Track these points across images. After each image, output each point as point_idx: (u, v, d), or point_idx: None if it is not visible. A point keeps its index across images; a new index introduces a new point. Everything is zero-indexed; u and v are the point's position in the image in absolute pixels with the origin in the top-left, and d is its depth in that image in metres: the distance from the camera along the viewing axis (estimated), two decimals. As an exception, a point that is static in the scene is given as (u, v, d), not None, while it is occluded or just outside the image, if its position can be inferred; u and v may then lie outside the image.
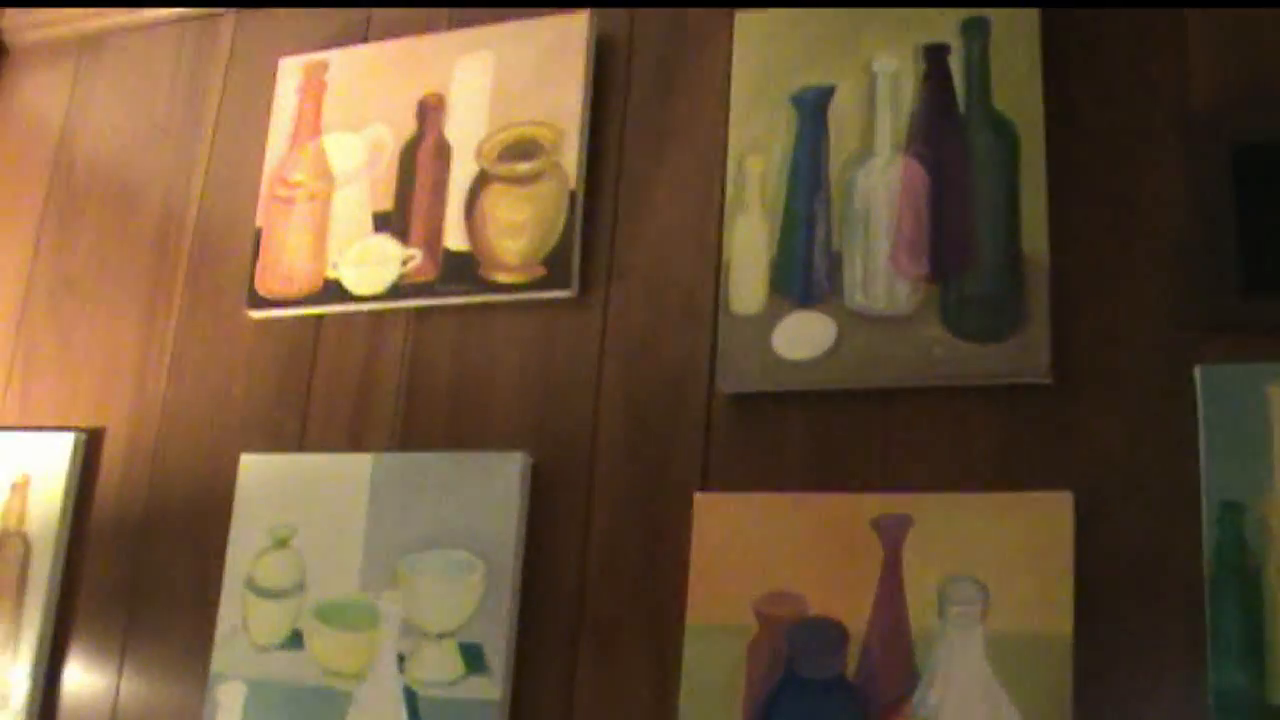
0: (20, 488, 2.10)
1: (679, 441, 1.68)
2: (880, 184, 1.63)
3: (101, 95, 2.34)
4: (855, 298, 1.60)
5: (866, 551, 1.52)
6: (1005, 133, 1.57)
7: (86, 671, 2.00)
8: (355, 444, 1.87)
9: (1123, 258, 1.51)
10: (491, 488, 1.72)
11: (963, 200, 1.58)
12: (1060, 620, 1.42)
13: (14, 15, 2.41)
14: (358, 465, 1.76)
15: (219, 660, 1.84)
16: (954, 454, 1.54)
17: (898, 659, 1.47)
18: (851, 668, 1.49)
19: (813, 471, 1.60)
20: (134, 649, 1.97)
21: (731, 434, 1.65)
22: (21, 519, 2.08)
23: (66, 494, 2.08)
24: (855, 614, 1.51)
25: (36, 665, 2.01)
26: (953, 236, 1.58)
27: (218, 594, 1.88)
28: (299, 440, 1.92)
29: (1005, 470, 1.51)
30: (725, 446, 1.65)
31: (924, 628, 1.47)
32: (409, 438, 1.85)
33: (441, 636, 1.69)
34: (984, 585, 1.46)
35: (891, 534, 1.51)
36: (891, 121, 1.64)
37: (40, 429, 2.17)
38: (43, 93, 2.40)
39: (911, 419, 1.57)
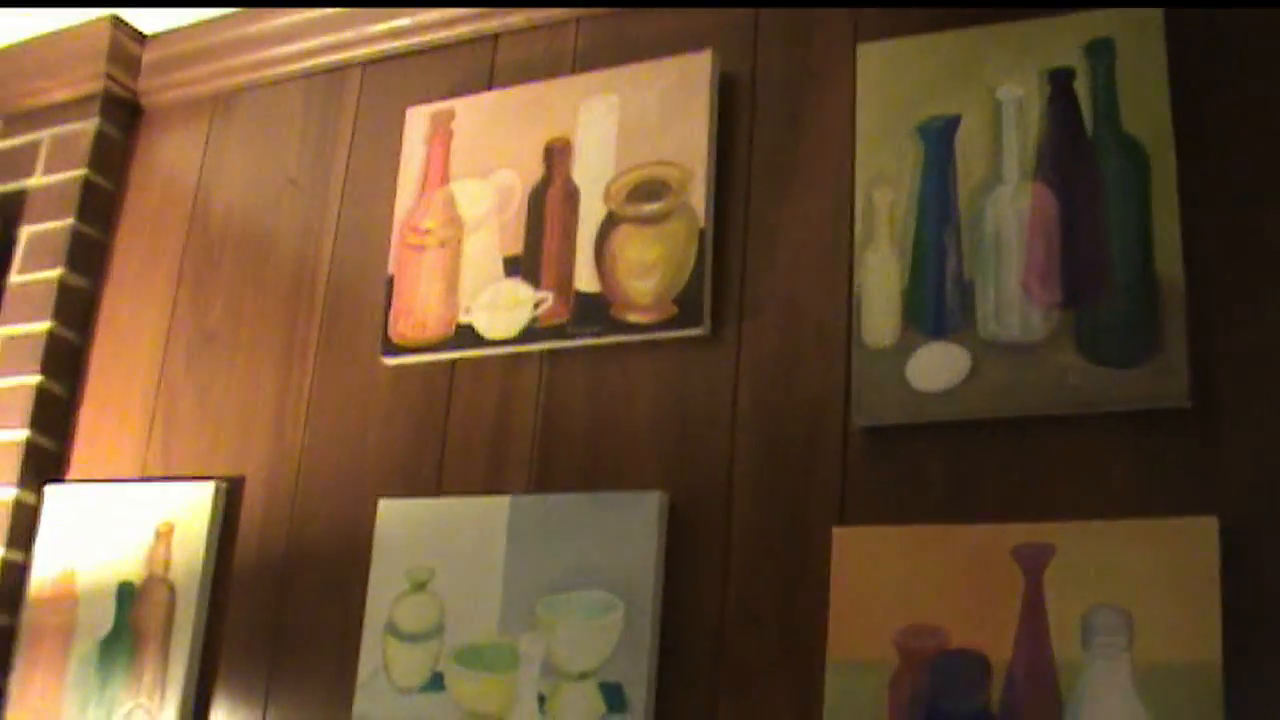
0: (164, 535, 2.22)
1: (815, 476, 1.73)
2: (1010, 212, 1.66)
3: (234, 150, 2.47)
4: (988, 327, 1.63)
5: (1008, 582, 1.55)
6: (1135, 155, 1.61)
7: (232, 715, 2.10)
8: (491, 487, 1.94)
9: (1260, 275, 1.54)
10: (629, 527, 1.78)
11: (1094, 225, 1.62)
12: (1209, 648, 1.44)
13: (150, 77, 2.55)
14: (495, 508, 1.83)
15: (361, 703, 1.92)
16: (1094, 481, 1.57)
17: (1042, 691, 1.50)
18: (995, 700, 1.52)
19: (951, 502, 1.64)
20: (277, 692, 2.06)
21: (868, 467, 1.70)
22: (166, 566, 2.20)
23: (209, 541, 2.18)
24: (997, 645, 1.54)
25: (183, 709, 2.11)
26: (1085, 262, 1.62)
27: (358, 638, 1.97)
28: (436, 484, 2.01)
29: (1147, 496, 1.54)
30: (862, 480, 1.70)
31: (1068, 659, 1.50)
32: (545, 479, 1.92)
33: (582, 677, 1.75)
34: (1129, 614, 1.49)
35: (1033, 563, 1.55)
36: (1019, 148, 1.68)
37: (182, 479, 2.27)
38: (178, 150, 2.55)
39: (1049, 447, 1.60)
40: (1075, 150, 1.64)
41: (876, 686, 1.57)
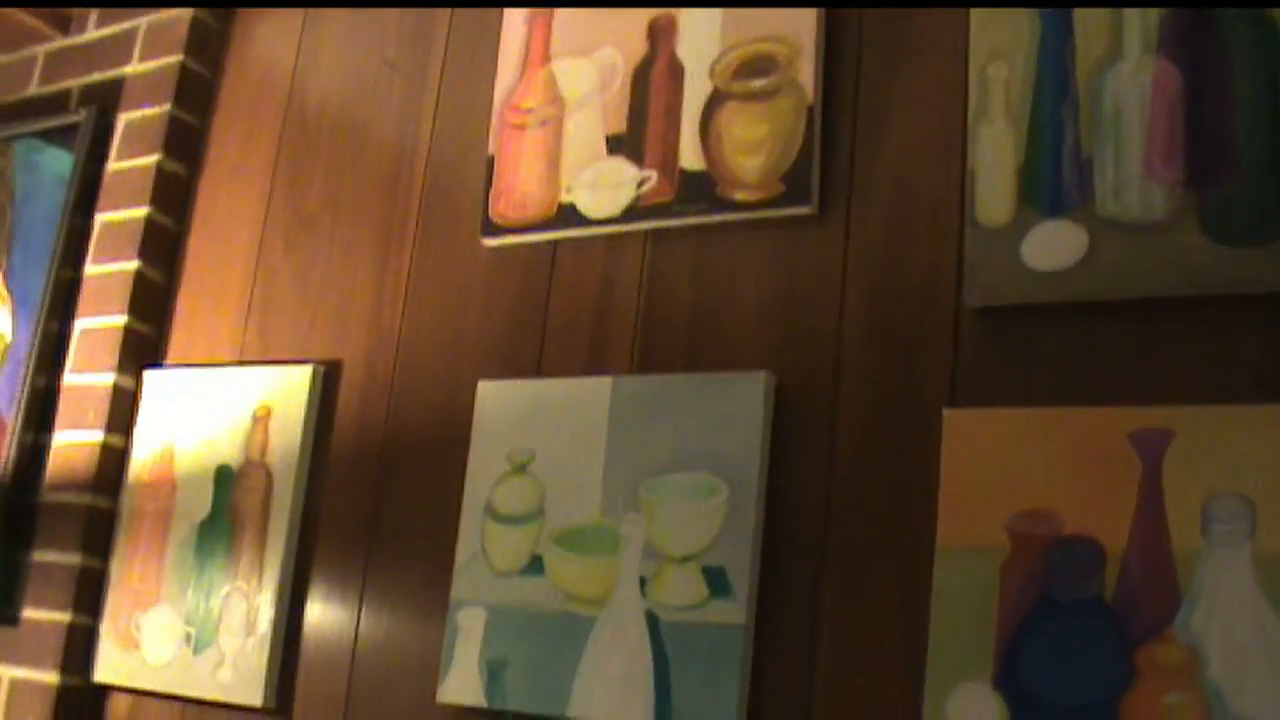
0: (262, 419, 2.24)
1: (926, 358, 1.71)
2: (1131, 87, 1.63)
3: (331, 35, 2.49)
4: (1107, 206, 1.60)
5: (1125, 467, 1.52)
6: (1267, 31, 1.55)
7: (329, 598, 2.13)
8: (593, 368, 1.89)
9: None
10: (734, 408, 1.76)
11: (1220, 101, 1.57)
12: (1333, 536, 1.38)
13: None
14: (597, 389, 1.82)
15: (459, 587, 1.94)
16: (1216, 365, 1.54)
17: (1159, 580, 1.48)
18: (1110, 589, 1.50)
19: (1067, 386, 1.61)
20: (374, 576, 2.09)
21: (981, 349, 1.68)
22: (264, 450, 2.23)
23: (306, 425, 2.21)
24: (1113, 533, 1.51)
25: (280, 593, 2.15)
26: (1210, 139, 1.57)
27: (457, 521, 1.99)
28: (536, 366, 2.02)
29: (1272, 381, 1.50)
30: (974, 362, 1.68)
31: (1186, 547, 1.48)
32: (648, 361, 1.92)
33: (685, 560, 1.75)
34: (1250, 501, 1.46)
35: (1151, 449, 1.52)
36: (1140, 22, 1.64)
37: (279, 363, 2.30)
38: (274, 35, 2.58)
39: (1170, 330, 1.57)
40: (1202, 25, 1.59)
41: (987, 573, 1.55)
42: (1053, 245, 1.62)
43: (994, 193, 1.68)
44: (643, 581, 1.74)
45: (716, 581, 1.72)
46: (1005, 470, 1.59)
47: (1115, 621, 1.49)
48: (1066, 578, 1.51)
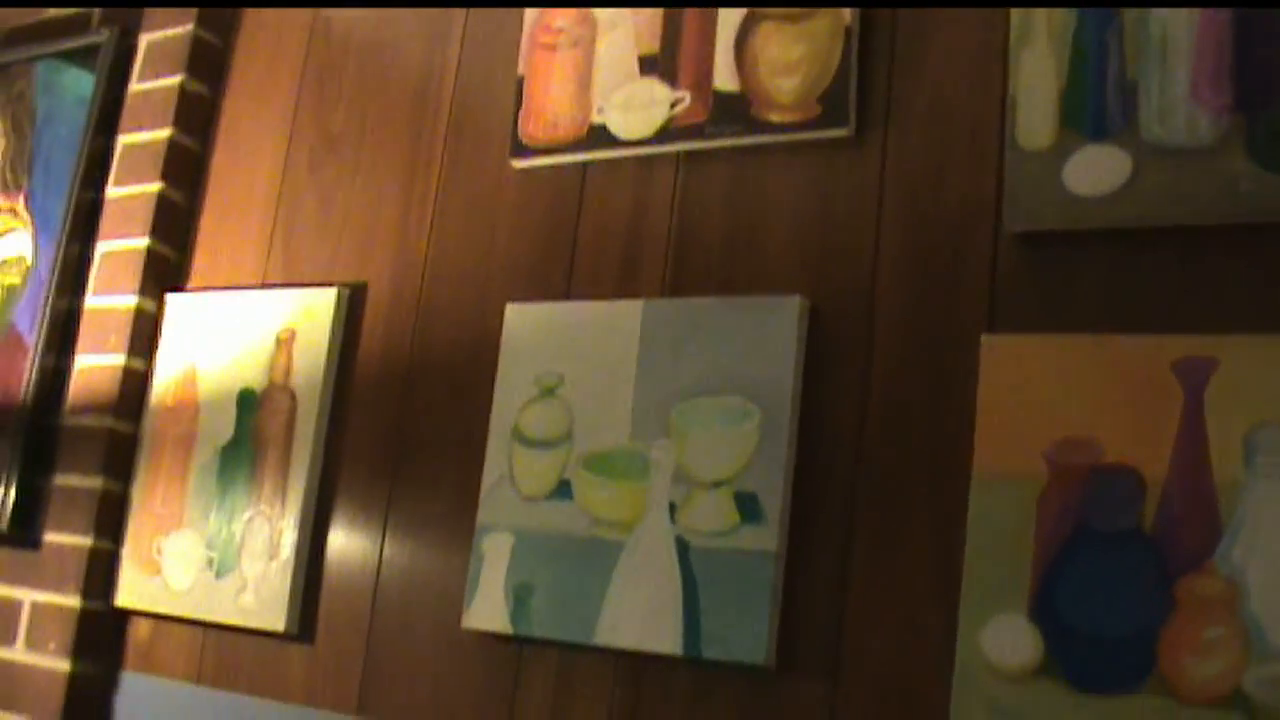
0: (285, 343, 2.23)
1: (964, 283, 1.69)
2: (1179, 11, 1.59)
3: (358, -48, 2.42)
4: (1152, 130, 1.57)
5: (1166, 396, 1.50)
6: (1318, -50, 1.51)
7: (352, 522, 2.12)
8: (624, 292, 1.86)
9: None
10: (767, 332, 1.72)
11: (1270, 26, 1.54)
12: (1380, 469, 1.36)
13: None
14: (627, 312, 1.79)
15: (485, 512, 1.93)
16: (1262, 294, 1.51)
17: (1200, 512, 1.45)
18: (1149, 520, 1.48)
19: (1108, 312, 1.59)
20: (399, 501, 2.08)
21: (1020, 274, 1.65)
22: (287, 373, 2.21)
23: (331, 348, 2.19)
24: (1153, 463, 1.49)
25: (304, 517, 2.13)
26: (1260, 66, 1.54)
27: (483, 445, 1.97)
28: (565, 289, 1.99)
29: (1321, 310, 1.45)
30: (1013, 288, 1.65)
31: (1228, 479, 1.45)
32: (679, 284, 1.89)
33: (716, 485, 1.73)
34: (1295, 433, 1.40)
35: (1194, 378, 1.49)
36: (1191, -55, 1.58)
37: (303, 286, 2.27)
38: (300, -46, 2.51)
39: (1215, 257, 1.54)
40: (1253, -54, 1.54)
41: (1024, 502, 1.53)
42: (1095, 170, 1.58)
43: (1035, 116, 1.65)
44: (672, 507, 1.71)
45: (748, 507, 1.70)
46: (1044, 398, 1.56)
47: (1154, 552, 1.46)
48: (1105, 507, 1.49)
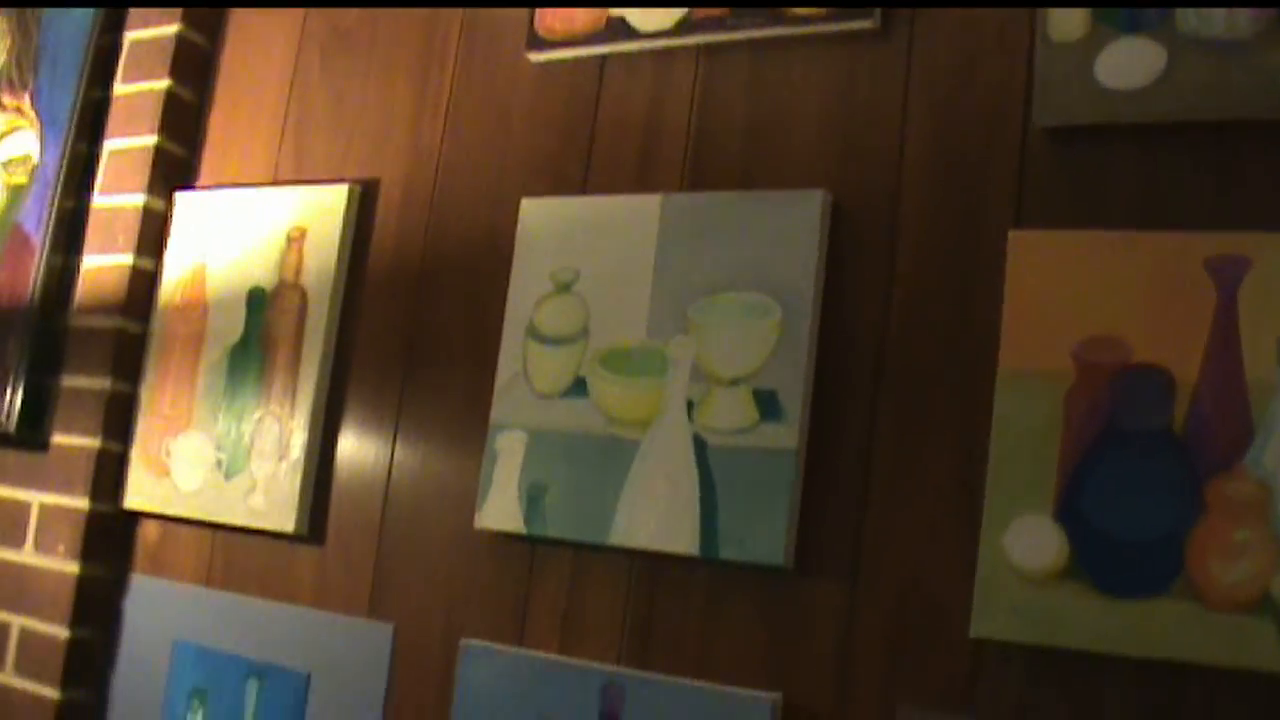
0: (296, 240, 2.19)
1: (992, 178, 1.65)
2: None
3: None
4: (1188, 22, 1.52)
5: (1198, 295, 1.47)
6: None
7: (363, 422, 2.09)
8: (641, 186, 1.82)
9: None
10: (789, 228, 1.70)
11: (1316, -85, 1.47)
12: None
13: None
14: (645, 206, 1.76)
15: (499, 410, 1.90)
16: (1301, 191, 1.44)
17: (1231, 413, 1.42)
18: (1179, 421, 1.45)
19: (1140, 209, 1.55)
20: (411, 399, 2.05)
21: (1050, 169, 1.61)
22: (298, 271, 2.18)
23: (342, 245, 2.16)
24: (1184, 362, 1.46)
25: (314, 417, 2.11)
26: (1304, -44, 1.47)
27: (497, 343, 1.94)
28: (582, 183, 1.95)
29: (1360, 208, 1.41)
30: (1043, 183, 1.61)
31: (1260, 379, 1.42)
32: (699, 179, 1.85)
33: (734, 383, 1.69)
34: (1331, 332, 1.37)
35: (1227, 277, 1.46)
36: None
37: (314, 183, 2.23)
38: None
39: (1252, 153, 1.50)
40: None
41: (1051, 401, 1.50)
42: (1129, 63, 1.54)
43: (1067, 8, 1.58)
44: (690, 405, 1.69)
45: (767, 405, 1.67)
46: (1072, 295, 1.53)
47: (1184, 454, 1.43)
48: (1134, 408, 1.46)
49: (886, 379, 1.65)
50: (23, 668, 2.33)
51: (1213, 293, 1.46)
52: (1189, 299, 1.46)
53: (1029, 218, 1.60)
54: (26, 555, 2.37)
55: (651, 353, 1.67)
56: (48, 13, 2.59)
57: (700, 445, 1.63)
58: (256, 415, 2.15)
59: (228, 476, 2.16)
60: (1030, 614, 1.47)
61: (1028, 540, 1.49)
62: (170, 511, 2.25)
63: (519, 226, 1.84)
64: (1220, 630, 1.37)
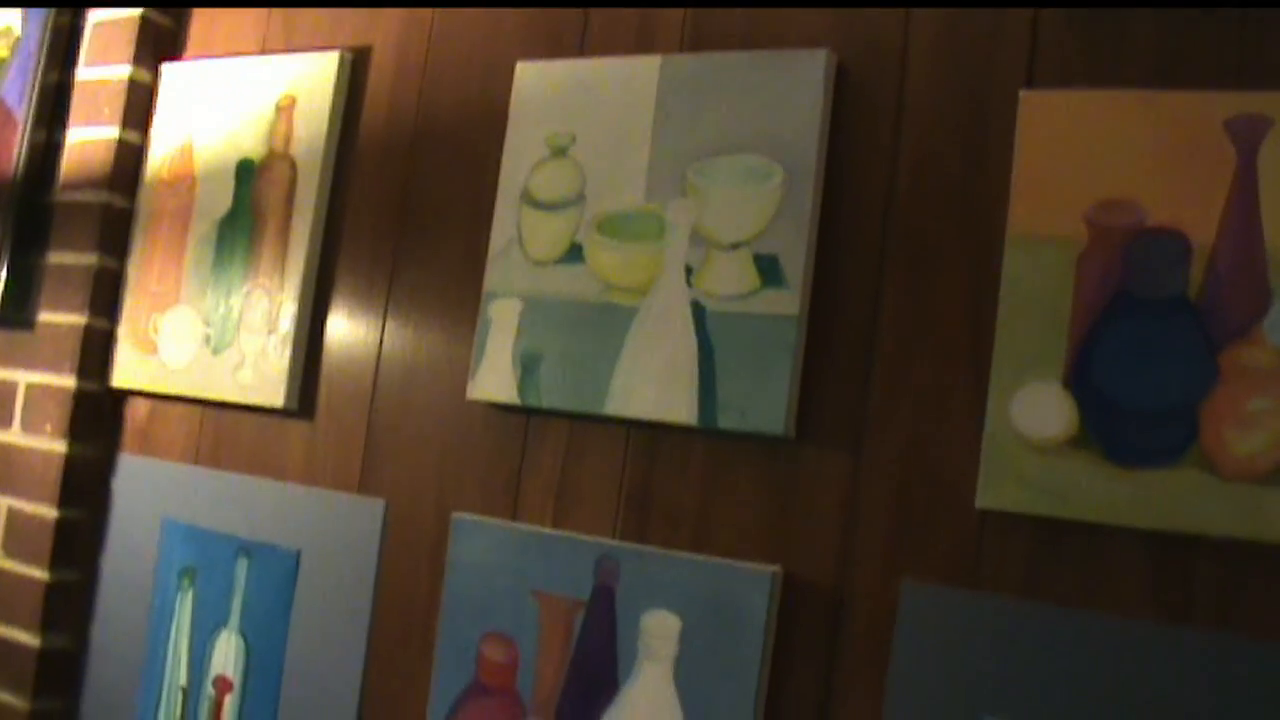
0: (286, 110, 2.13)
1: (1002, 34, 1.59)
2: None
3: None
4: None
5: (1217, 156, 1.41)
6: None
7: (354, 294, 2.05)
8: (640, 47, 1.82)
9: None
10: (791, 88, 1.64)
11: None
12: None
13: None
14: (644, 68, 1.70)
15: (492, 278, 1.85)
16: (1325, 48, 1.39)
17: (1249, 278, 1.38)
18: (1195, 287, 1.40)
19: (1157, 68, 1.49)
20: (403, 269, 2.00)
21: (1063, 27, 1.56)
22: (287, 141, 2.12)
23: (333, 114, 2.11)
24: (1201, 226, 1.41)
25: (304, 289, 2.06)
26: None
27: (491, 210, 1.89)
28: (579, 45, 1.89)
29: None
30: (1055, 40, 1.56)
31: (1279, 246, 1.35)
32: (699, 38, 1.79)
33: (734, 247, 1.65)
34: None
35: (1248, 138, 1.40)
36: None
37: (304, 51, 2.17)
38: None
39: (1276, 10, 1.44)
40: None
41: (1062, 265, 1.45)
42: (1148, -90, 1.46)
43: None
44: (689, 270, 1.64)
45: (768, 270, 1.62)
46: (1085, 156, 1.48)
47: (1199, 320, 1.39)
48: (1148, 272, 1.40)
49: (892, 243, 1.60)
50: (11, 549, 2.30)
51: (1232, 154, 1.40)
52: (1207, 161, 1.41)
53: (1041, 77, 1.55)
54: (13, 435, 2.33)
55: (649, 217, 1.62)
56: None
57: (699, 311, 1.58)
58: (245, 289, 2.11)
59: (216, 352, 2.12)
60: (1038, 484, 1.43)
61: (1036, 409, 1.44)
62: (158, 389, 2.21)
63: (514, 91, 1.79)
64: (1234, 501, 1.33)
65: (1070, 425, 1.42)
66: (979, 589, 1.47)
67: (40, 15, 2.41)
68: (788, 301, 1.60)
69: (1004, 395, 1.47)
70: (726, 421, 1.56)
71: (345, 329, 2.04)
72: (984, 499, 1.46)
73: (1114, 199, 1.45)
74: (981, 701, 1.45)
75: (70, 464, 2.27)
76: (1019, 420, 1.45)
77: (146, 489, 2.24)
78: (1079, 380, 1.43)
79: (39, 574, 2.26)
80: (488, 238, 1.78)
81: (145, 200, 2.30)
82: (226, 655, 2.08)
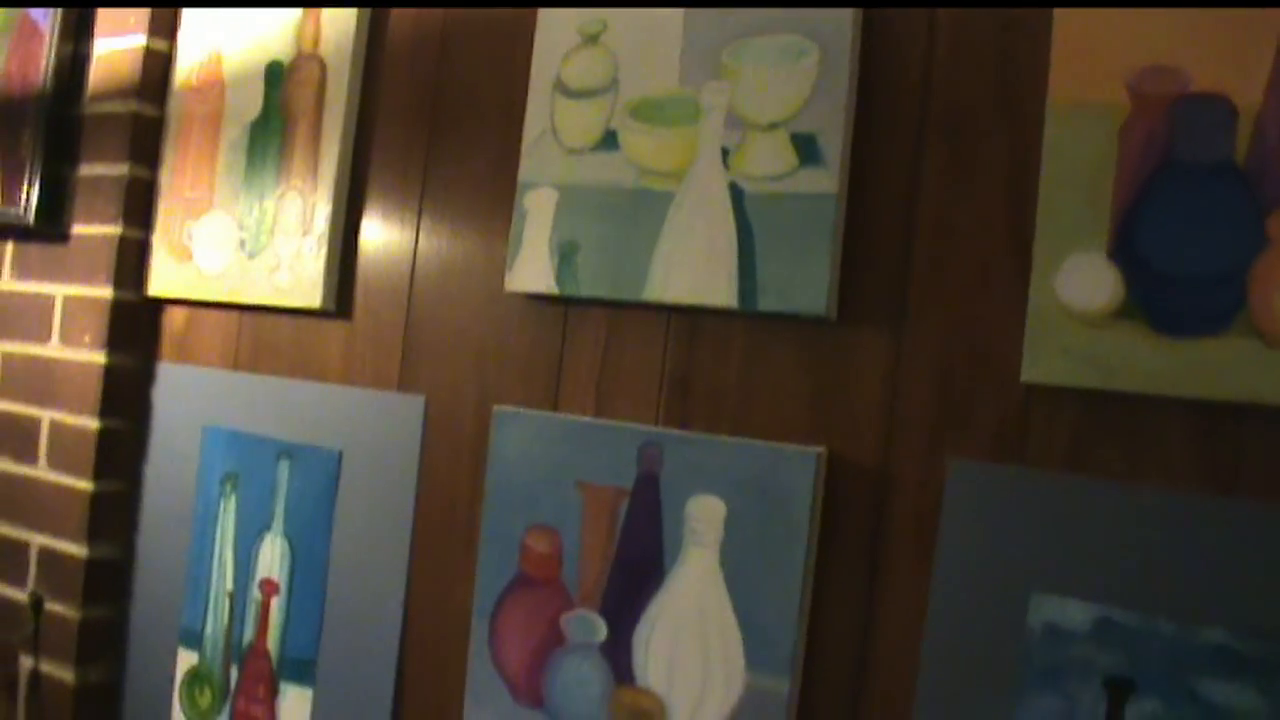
0: (312, 11, 2.12)
1: (1041, -100, 1.52)
2: None
3: None
4: None
5: (1261, 17, 1.37)
6: None
7: (388, 191, 2.03)
8: None
9: None
10: (824, -37, 1.61)
11: None
12: None
13: None
14: (675, -51, 1.65)
15: (527, 167, 1.83)
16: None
17: (1298, 141, 1.32)
18: (1241, 152, 1.36)
19: (1201, -73, 1.42)
20: (437, 164, 1.98)
21: (1104, -111, 1.49)
22: (315, 41, 2.10)
23: (360, 12, 2.09)
24: (1247, 91, 1.37)
25: (338, 188, 2.05)
26: None
27: (524, 101, 1.87)
28: (608, -70, 1.85)
29: None
30: (1096, -96, 1.49)
31: (1333, 107, 1.31)
32: (730, -82, 1.74)
33: (771, 127, 1.63)
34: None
35: (1296, -7, 1.34)
36: None
37: (330, -53, 2.15)
38: None
39: None
40: None
41: (1105, 134, 1.42)
42: None
43: None
44: (725, 152, 1.62)
45: (806, 149, 1.60)
46: (1127, 23, 1.44)
47: (1246, 186, 1.35)
48: (1193, 138, 1.37)
49: (931, 118, 1.57)
50: (55, 460, 2.31)
51: (1277, 15, 1.35)
52: (1251, 22, 1.37)
53: (1082, -54, 1.48)
54: (53, 349, 2.34)
55: (684, 101, 1.60)
56: None
57: (737, 194, 1.56)
58: (279, 191, 2.09)
59: (251, 256, 2.11)
60: (1083, 356, 1.41)
61: (1080, 280, 1.42)
62: (195, 296, 2.21)
63: (545, -22, 1.73)
64: (1284, 368, 1.29)
65: (1115, 296, 1.40)
66: (1025, 465, 1.46)
67: (63, -73, 2.39)
68: (826, 180, 1.57)
69: (1048, 268, 1.44)
70: (767, 303, 1.54)
71: (380, 227, 2.02)
72: (1029, 373, 1.44)
73: (1156, 65, 1.42)
74: (1030, 578, 1.43)
75: (110, 375, 2.27)
76: (1063, 292, 1.43)
77: (186, 396, 2.24)
78: (1123, 250, 1.40)
79: (83, 485, 2.27)
80: (521, 129, 1.76)
81: (175, 108, 2.28)
82: (271, 558, 2.08)
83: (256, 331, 2.16)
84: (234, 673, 2.11)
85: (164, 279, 2.21)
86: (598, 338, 1.78)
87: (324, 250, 1.95)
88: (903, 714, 1.52)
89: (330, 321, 2.01)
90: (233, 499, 2.12)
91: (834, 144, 1.58)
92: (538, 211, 1.79)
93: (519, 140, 1.78)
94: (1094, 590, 1.40)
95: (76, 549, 2.26)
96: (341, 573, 1.99)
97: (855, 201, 1.60)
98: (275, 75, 2.14)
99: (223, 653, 2.12)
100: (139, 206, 2.29)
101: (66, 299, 2.33)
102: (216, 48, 2.24)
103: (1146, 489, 1.37)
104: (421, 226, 1.97)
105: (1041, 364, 1.43)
